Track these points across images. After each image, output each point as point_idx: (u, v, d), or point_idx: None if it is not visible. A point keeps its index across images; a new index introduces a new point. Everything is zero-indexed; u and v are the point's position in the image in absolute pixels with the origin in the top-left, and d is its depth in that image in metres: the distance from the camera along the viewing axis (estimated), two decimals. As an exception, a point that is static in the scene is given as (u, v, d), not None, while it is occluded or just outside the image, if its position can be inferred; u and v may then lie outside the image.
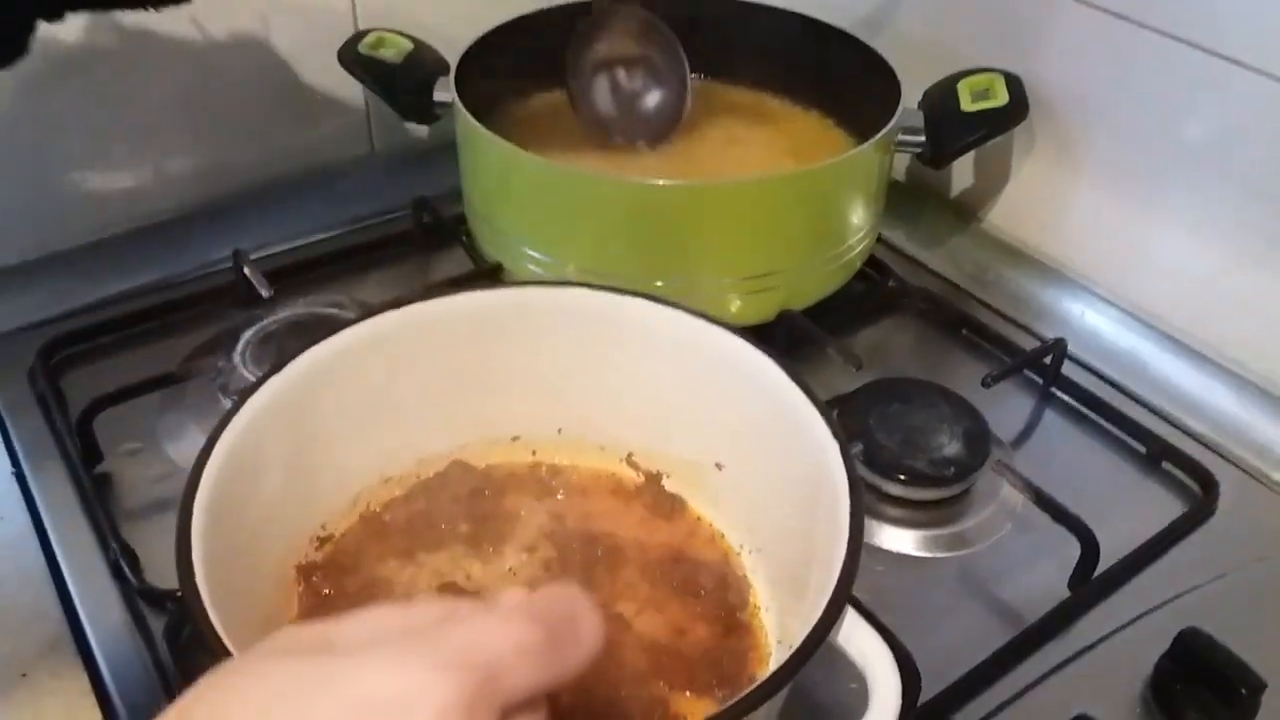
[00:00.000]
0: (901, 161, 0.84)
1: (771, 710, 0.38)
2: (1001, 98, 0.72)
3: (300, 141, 0.83)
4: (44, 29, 0.68)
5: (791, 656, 0.35)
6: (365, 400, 0.49)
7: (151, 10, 0.52)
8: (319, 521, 0.50)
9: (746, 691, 0.34)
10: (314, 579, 0.48)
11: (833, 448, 0.43)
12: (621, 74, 0.78)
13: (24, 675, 0.50)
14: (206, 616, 0.36)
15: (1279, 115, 0.63)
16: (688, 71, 0.77)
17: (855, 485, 0.41)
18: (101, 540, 0.56)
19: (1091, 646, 0.53)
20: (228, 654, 0.35)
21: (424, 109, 0.75)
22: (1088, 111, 0.73)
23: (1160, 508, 0.61)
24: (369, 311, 0.50)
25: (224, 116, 0.79)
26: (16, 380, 0.66)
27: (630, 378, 0.52)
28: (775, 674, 0.35)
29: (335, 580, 0.48)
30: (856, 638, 0.37)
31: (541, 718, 0.27)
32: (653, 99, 0.78)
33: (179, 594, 0.38)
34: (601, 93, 0.78)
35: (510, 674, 0.26)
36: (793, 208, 0.67)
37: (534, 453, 0.55)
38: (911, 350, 0.74)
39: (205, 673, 0.27)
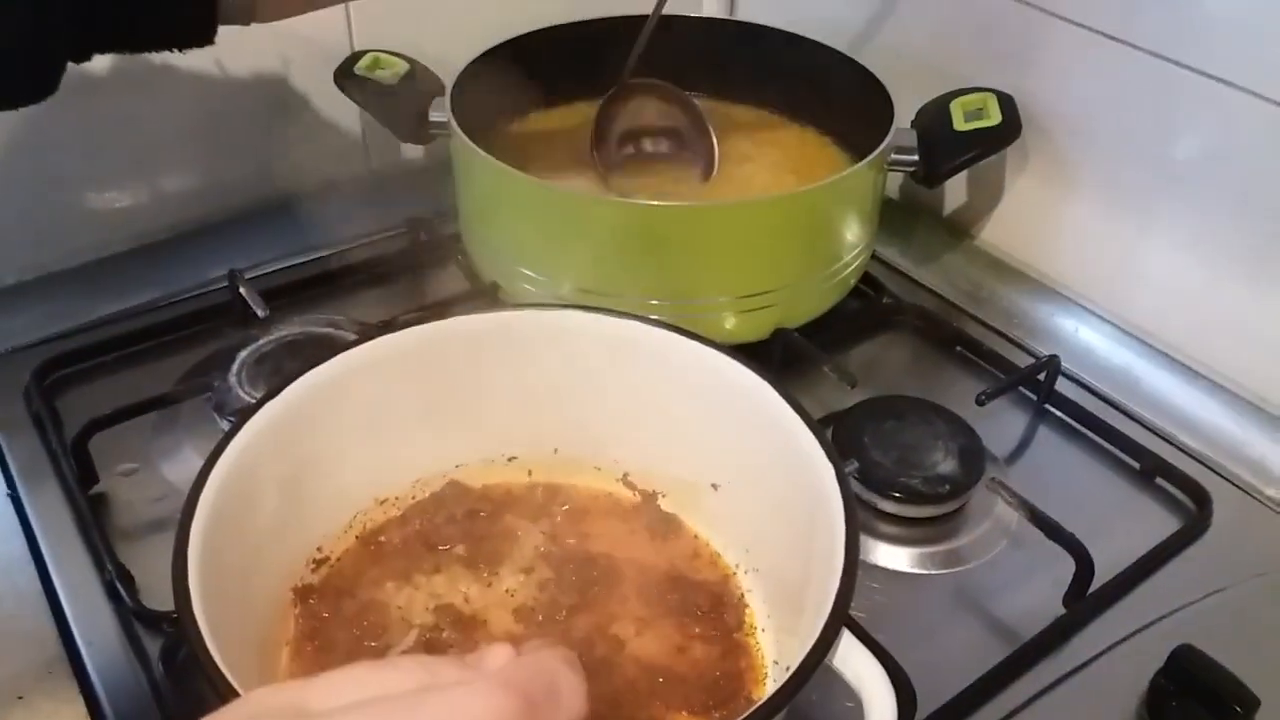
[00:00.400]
0: (895, 179, 0.85)
1: (768, 732, 0.38)
2: (994, 117, 0.73)
3: (296, 161, 0.83)
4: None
5: (788, 680, 0.35)
6: (361, 422, 0.50)
7: (176, 51, 0.52)
8: (315, 544, 0.50)
9: (745, 714, 0.34)
10: (311, 601, 0.48)
11: (827, 469, 0.44)
12: (648, 143, 0.79)
13: (20, 698, 0.50)
14: (202, 639, 0.36)
15: (1269, 134, 0.63)
16: (714, 139, 0.77)
17: (850, 507, 0.41)
18: (97, 561, 0.56)
19: (1086, 664, 0.53)
20: (222, 677, 0.35)
21: (419, 129, 0.75)
22: (1080, 130, 0.73)
23: (1154, 524, 0.61)
24: (365, 335, 0.50)
25: (220, 136, 0.79)
26: (12, 400, 0.66)
27: (626, 399, 0.52)
28: (770, 699, 0.35)
29: (332, 603, 0.48)
30: (852, 660, 0.38)
31: None
32: (680, 164, 0.79)
33: (175, 616, 0.38)
34: (628, 162, 0.78)
35: (551, 701, 0.26)
36: (787, 227, 0.67)
37: (530, 473, 0.55)
38: (906, 367, 0.74)
39: None
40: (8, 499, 0.60)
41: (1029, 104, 0.74)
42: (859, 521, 0.41)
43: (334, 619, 0.47)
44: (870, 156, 0.67)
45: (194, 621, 0.37)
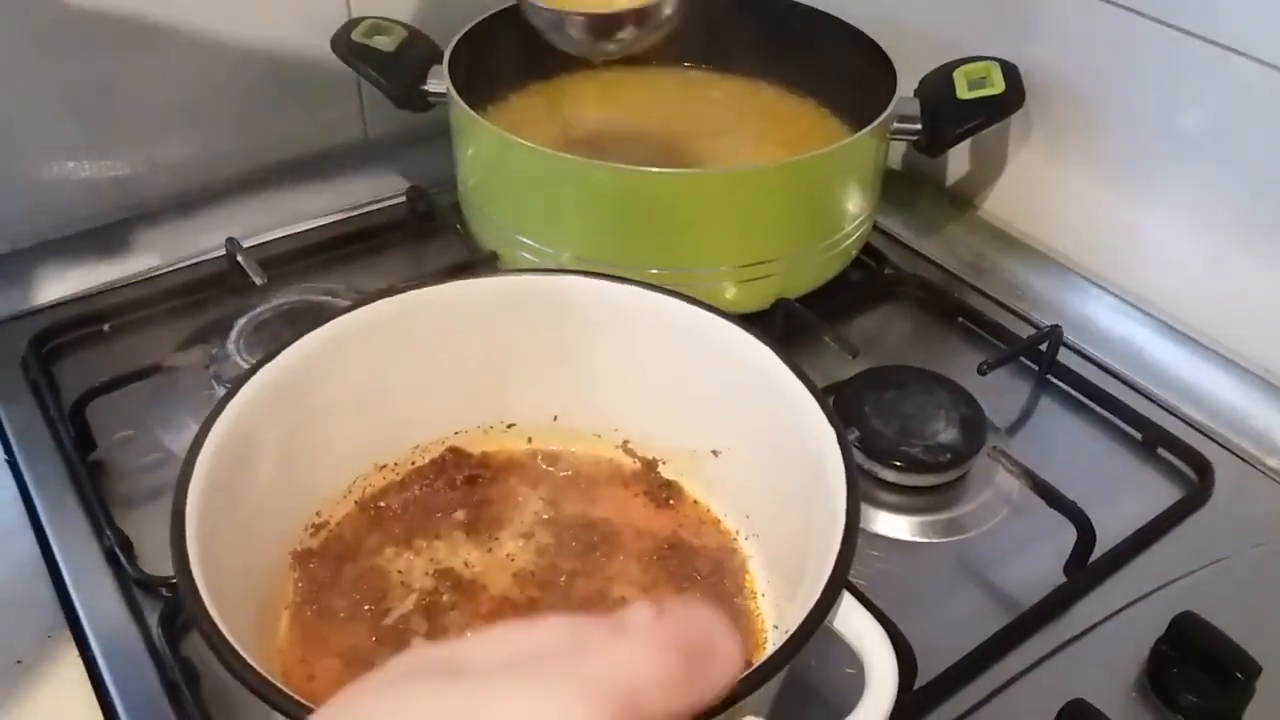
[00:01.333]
0: (897, 149, 0.84)
1: (768, 693, 0.38)
2: (998, 86, 0.72)
3: (293, 129, 0.82)
4: (36, 18, 0.68)
5: (789, 639, 0.35)
6: (359, 387, 0.49)
7: None
8: (314, 508, 0.49)
9: (744, 674, 0.34)
10: (310, 565, 0.48)
11: (829, 433, 0.43)
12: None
13: (19, 662, 0.50)
14: (201, 601, 0.36)
15: (1276, 103, 0.63)
16: None
17: (851, 470, 0.41)
18: (96, 528, 0.56)
19: (1087, 631, 0.53)
20: (221, 636, 0.35)
21: (417, 97, 0.74)
22: (1084, 99, 0.73)
23: (1156, 494, 0.61)
24: (362, 299, 0.50)
25: (217, 104, 0.78)
26: (9, 368, 0.65)
27: (626, 365, 0.52)
28: (773, 656, 0.35)
29: (331, 567, 0.48)
30: (853, 621, 0.37)
31: None
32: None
33: (174, 580, 0.37)
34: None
35: (649, 704, 0.24)
36: (789, 196, 0.67)
37: (530, 439, 0.55)
38: (907, 338, 0.74)
39: (335, 698, 0.25)
40: (6, 465, 0.60)
41: (1033, 73, 0.73)
42: (860, 484, 0.41)
43: (333, 583, 0.47)
44: (873, 124, 0.67)
45: (193, 584, 0.36)
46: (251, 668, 0.34)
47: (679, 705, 0.25)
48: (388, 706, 0.24)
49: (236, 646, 0.35)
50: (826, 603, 0.36)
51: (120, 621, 0.52)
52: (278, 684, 0.34)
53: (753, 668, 0.35)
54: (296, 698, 0.33)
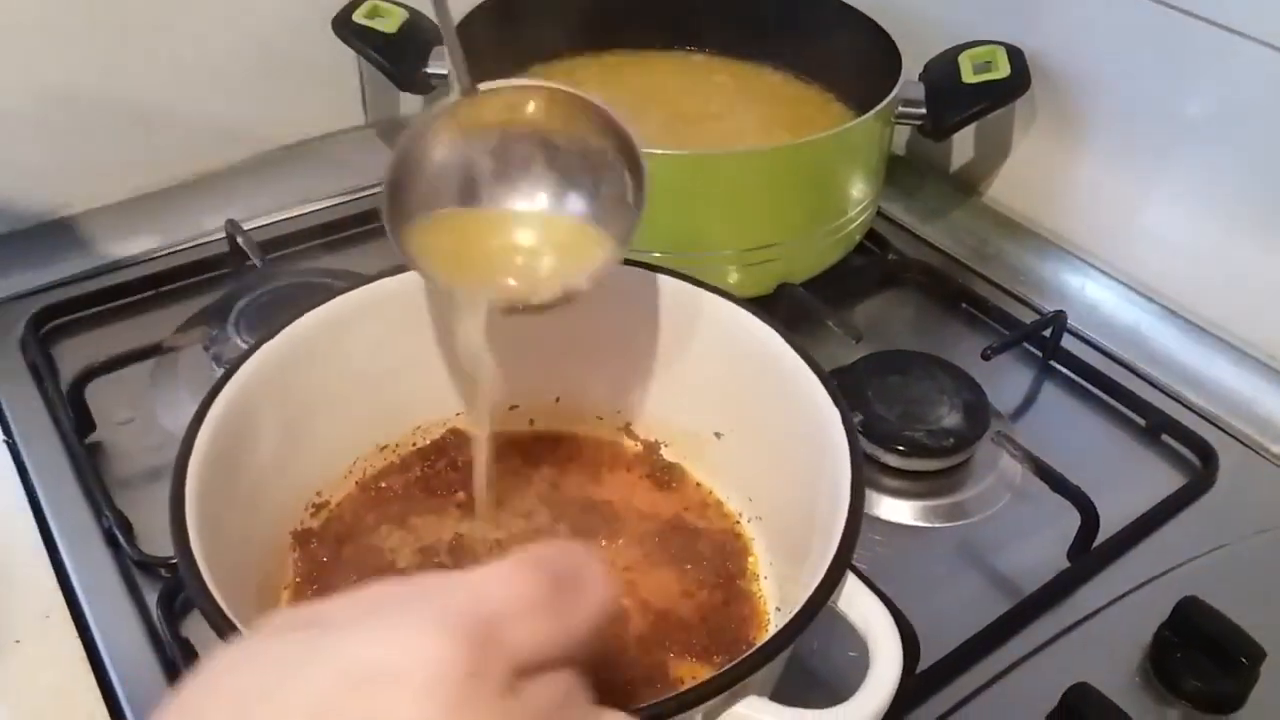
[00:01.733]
0: (901, 135, 0.84)
1: (772, 673, 0.38)
2: (1003, 70, 0.72)
3: (294, 111, 0.82)
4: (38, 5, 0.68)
5: (793, 618, 0.35)
6: (360, 368, 0.49)
7: None
8: (315, 488, 0.49)
9: (748, 653, 0.34)
10: (310, 545, 0.47)
11: (833, 414, 0.43)
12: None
13: (18, 642, 0.50)
14: (201, 578, 0.36)
15: (1282, 87, 0.62)
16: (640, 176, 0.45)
17: (856, 451, 0.41)
18: (95, 509, 0.56)
19: (1090, 616, 0.53)
20: (222, 616, 0.35)
21: (419, 79, 0.74)
22: (1089, 84, 0.72)
23: (1160, 480, 0.61)
24: (362, 279, 0.49)
25: (217, 85, 0.78)
26: (7, 349, 0.65)
27: (629, 346, 0.52)
28: (777, 635, 0.35)
29: (331, 547, 0.47)
30: (857, 602, 0.37)
31: (566, 685, 0.24)
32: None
33: (173, 561, 0.37)
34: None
35: (513, 630, 0.23)
36: (792, 179, 0.67)
37: (532, 421, 0.54)
38: (911, 324, 0.73)
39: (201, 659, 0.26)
40: (4, 446, 0.60)
41: (1038, 57, 0.73)
42: (864, 464, 0.40)
43: (333, 563, 0.47)
44: (878, 107, 0.66)
45: (192, 561, 0.36)
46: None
47: (547, 631, 0.24)
48: (239, 663, 0.24)
49: (237, 623, 0.34)
50: (831, 582, 0.36)
51: (119, 602, 0.52)
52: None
53: (756, 647, 0.35)
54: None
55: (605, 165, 0.44)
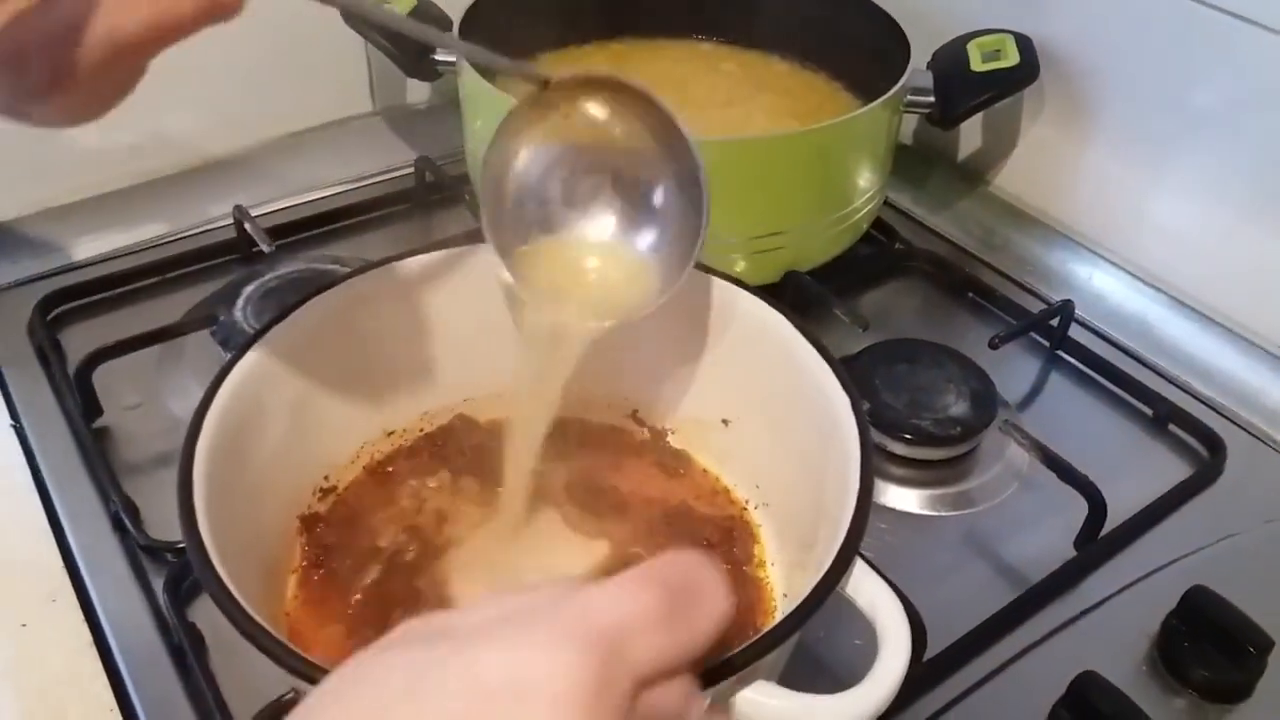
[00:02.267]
0: (909, 124, 0.84)
1: (780, 658, 0.38)
2: (1012, 58, 0.71)
3: (302, 98, 0.82)
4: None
5: (802, 603, 0.35)
6: (366, 353, 0.49)
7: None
8: (322, 473, 0.49)
9: (757, 637, 0.34)
10: (317, 530, 0.47)
11: (843, 400, 0.43)
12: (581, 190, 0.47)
13: (24, 626, 0.50)
14: (209, 559, 0.36)
15: (1293, 76, 0.62)
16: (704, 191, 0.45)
17: (866, 436, 0.41)
18: (102, 493, 0.56)
19: (1098, 605, 0.53)
20: (230, 600, 0.35)
21: (427, 65, 0.74)
22: (1098, 73, 0.72)
23: (1167, 470, 0.61)
24: (369, 264, 0.49)
25: (225, 71, 0.78)
26: (15, 334, 0.65)
27: (637, 332, 0.51)
28: (785, 619, 0.34)
29: (338, 531, 0.47)
30: (865, 587, 0.37)
31: (683, 692, 0.25)
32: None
33: (180, 546, 0.37)
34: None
35: (636, 643, 0.24)
36: (799, 167, 0.66)
37: (539, 408, 0.54)
38: (918, 313, 0.73)
39: (339, 666, 0.26)
40: (12, 431, 0.60)
41: (1047, 46, 0.72)
42: (873, 448, 0.40)
43: (340, 547, 0.46)
44: (886, 95, 0.66)
45: (199, 540, 0.36)
46: (260, 625, 0.34)
47: (668, 644, 0.24)
48: (384, 663, 0.24)
49: (243, 603, 0.34)
50: (840, 567, 0.36)
51: (126, 586, 0.52)
52: (285, 641, 0.33)
53: (763, 632, 0.35)
54: (304, 655, 0.33)
55: (669, 175, 0.45)
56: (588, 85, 0.44)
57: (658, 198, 0.46)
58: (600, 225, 0.46)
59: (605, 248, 0.47)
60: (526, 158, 0.45)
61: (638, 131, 0.44)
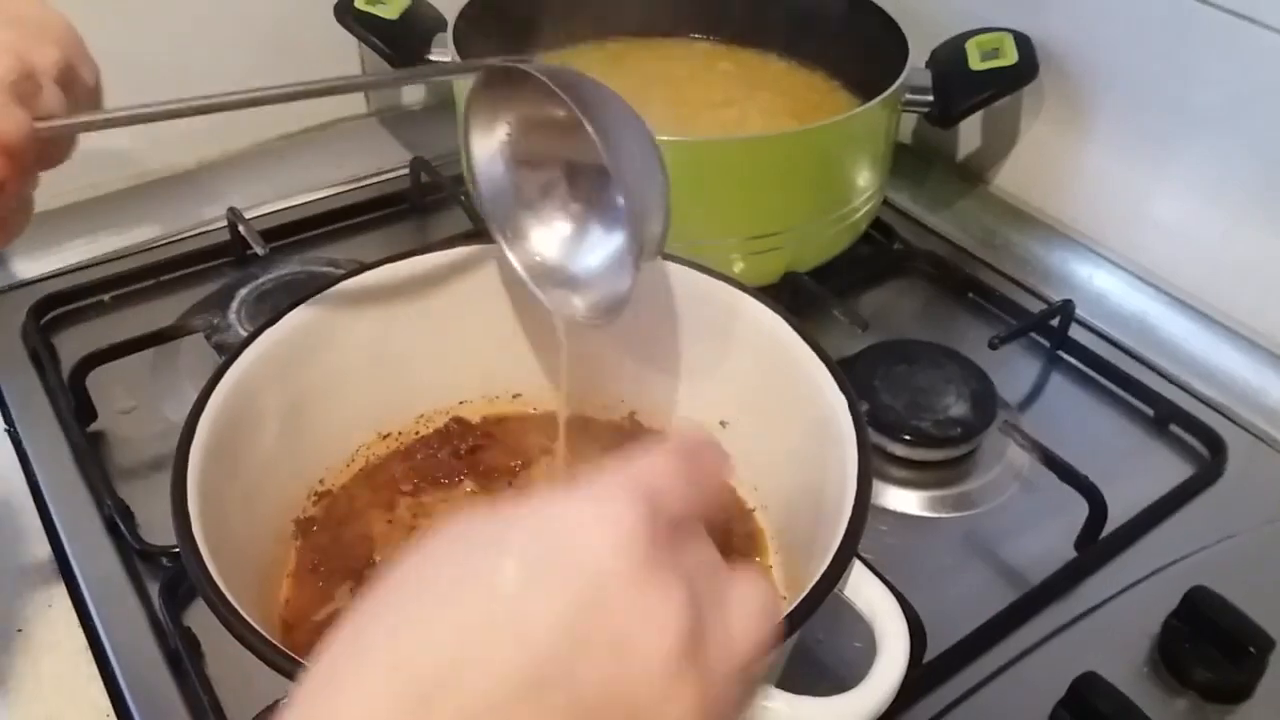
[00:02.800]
0: (908, 124, 0.83)
1: (777, 660, 0.37)
2: (1010, 57, 0.71)
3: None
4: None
5: (800, 603, 0.34)
6: (361, 355, 0.49)
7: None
8: (317, 476, 0.49)
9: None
10: (313, 533, 0.47)
11: (840, 402, 0.43)
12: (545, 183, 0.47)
13: (20, 631, 0.49)
14: (203, 566, 0.35)
15: (1293, 73, 0.62)
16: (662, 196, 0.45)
17: (863, 436, 0.41)
18: (96, 497, 0.55)
19: (1098, 606, 0.52)
20: (226, 604, 0.34)
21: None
22: (1098, 72, 0.72)
23: (1168, 470, 0.60)
24: (364, 266, 0.49)
25: (219, 73, 0.77)
26: (9, 338, 0.65)
27: (634, 334, 0.51)
28: (783, 621, 0.34)
29: (333, 534, 0.47)
30: (864, 589, 0.37)
31: (710, 549, 0.28)
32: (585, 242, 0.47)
33: (175, 550, 0.37)
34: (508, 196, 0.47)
35: (669, 497, 0.27)
36: (797, 166, 0.66)
37: (535, 410, 0.54)
38: (917, 313, 0.73)
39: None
40: (6, 435, 0.59)
41: (1046, 44, 0.72)
42: (871, 449, 0.40)
43: (335, 550, 0.46)
44: (884, 94, 0.66)
45: (193, 543, 0.36)
46: (254, 629, 0.33)
47: (691, 495, 0.28)
48: (454, 534, 0.26)
49: (237, 607, 0.34)
50: (838, 568, 0.36)
51: (121, 591, 0.52)
52: (278, 644, 0.33)
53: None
54: (299, 659, 0.33)
55: (630, 169, 0.43)
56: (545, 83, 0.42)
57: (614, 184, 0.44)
58: (564, 221, 0.47)
59: (574, 238, 0.47)
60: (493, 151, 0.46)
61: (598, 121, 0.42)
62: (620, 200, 0.43)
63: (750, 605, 0.27)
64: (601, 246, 0.46)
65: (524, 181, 0.46)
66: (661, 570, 0.25)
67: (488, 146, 0.46)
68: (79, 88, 0.44)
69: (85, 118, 0.42)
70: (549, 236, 0.47)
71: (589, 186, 0.46)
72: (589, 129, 0.40)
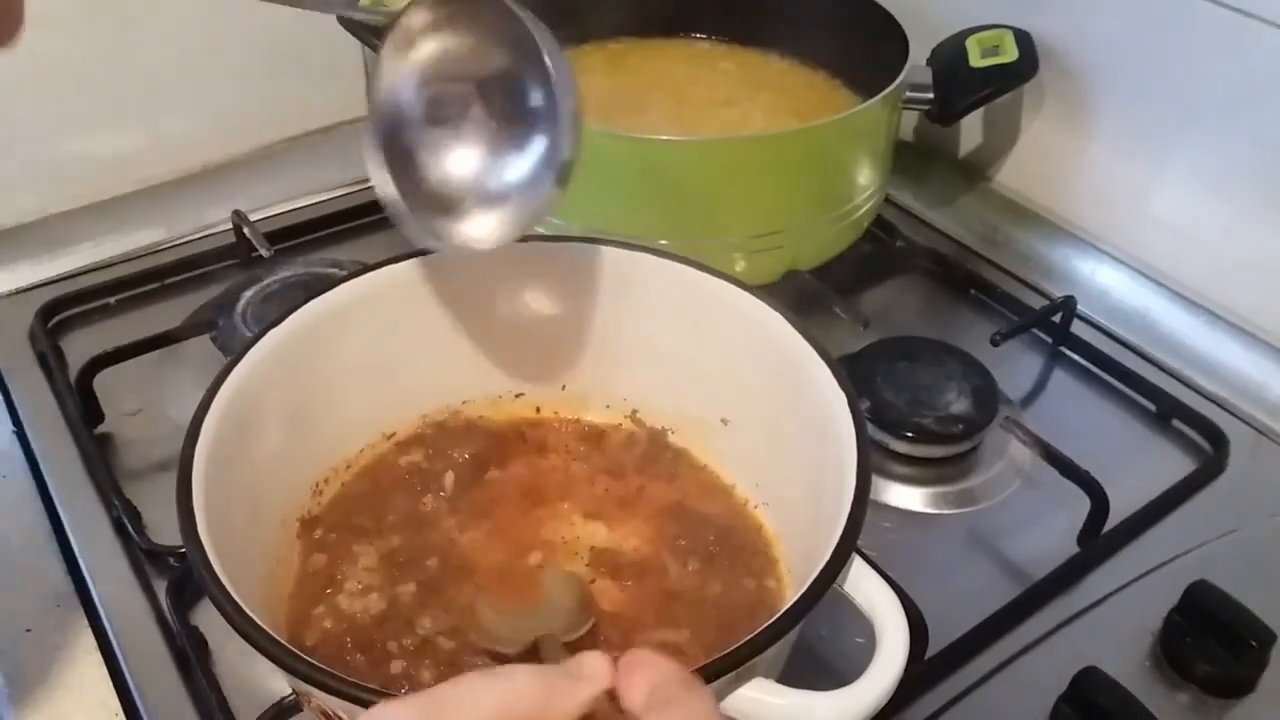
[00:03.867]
0: (909, 121, 0.83)
1: (779, 655, 0.38)
2: (1011, 54, 0.71)
3: (299, 102, 0.82)
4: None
5: (799, 598, 0.35)
6: (365, 355, 0.49)
7: None
8: (322, 476, 0.49)
9: (755, 632, 0.34)
10: (317, 533, 0.47)
11: (840, 398, 0.43)
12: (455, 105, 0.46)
13: (28, 631, 0.50)
14: (209, 565, 0.36)
15: (1294, 68, 0.62)
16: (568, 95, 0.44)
17: (862, 432, 0.41)
18: (104, 498, 0.56)
19: (1100, 601, 0.52)
20: (232, 604, 0.35)
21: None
22: (1098, 68, 0.72)
23: (1170, 465, 0.61)
24: (367, 267, 0.49)
25: (223, 77, 0.78)
26: (17, 341, 0.65)
27: (636, 333, 0.52)
28: (783, 616, 0.34)
29: (338, 533, 0.47)
30: (863, 584, 0.37)
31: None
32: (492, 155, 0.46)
33: (182, 550, 0.37)
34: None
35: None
36: (799, 164, 0.66)
37: (538, 409, 0.54)
38: (919, 310, 0.73)
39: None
40: (14, 437, 0.60)
41: (1047, 41, 0.72)
42: (871, 448, 0.40)
43: (340, 548, 0.46)
44: (885, 91, 0.66)
45: (199, 542, 0.36)
46: (260, 627, 0.34)
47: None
48: None
49: (243, 606, 0.34)
50: (837, 564, 0.36)
51: (129, 591, 0.52)
52: (285, 643, 0.33)
53: (760, 629, 0.35)
54: (305, 657, 0.33)
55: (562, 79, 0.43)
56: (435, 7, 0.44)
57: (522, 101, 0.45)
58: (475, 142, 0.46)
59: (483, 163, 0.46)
60: (398, 87, 0.45)
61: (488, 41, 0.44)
62: (557, 105, 0.43)
63: None
64: (518, 163, 0.46)
65: (434, 106, 0.46)
66: None
67: (398, 71, 0.45)
68: None
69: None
70: (465, 156, 0.46)
71: (502, 105, 0.46)
72: (536, 37, 0.42)
